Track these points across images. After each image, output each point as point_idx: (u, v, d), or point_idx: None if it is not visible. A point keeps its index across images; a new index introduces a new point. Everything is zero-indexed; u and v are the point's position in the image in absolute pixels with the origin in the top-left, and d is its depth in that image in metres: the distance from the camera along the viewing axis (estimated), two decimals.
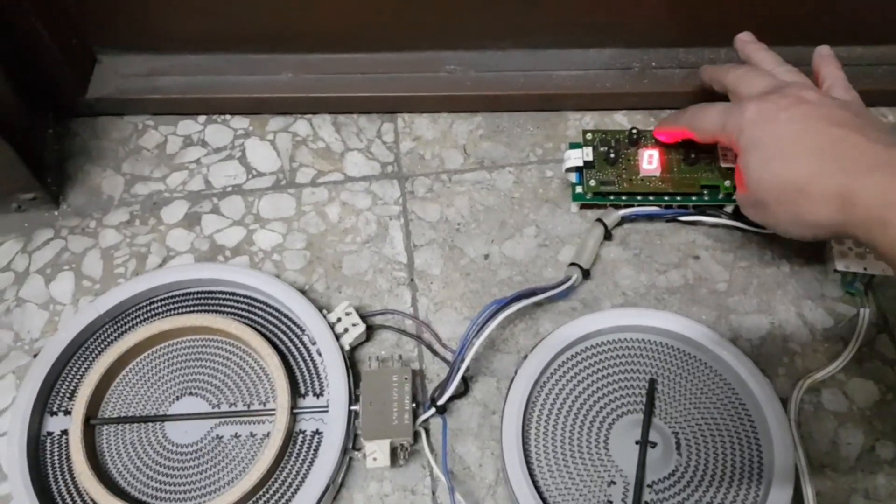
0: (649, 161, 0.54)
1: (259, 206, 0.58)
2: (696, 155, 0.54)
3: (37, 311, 0.53)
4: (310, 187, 0.59)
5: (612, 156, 0.54)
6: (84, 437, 0.45)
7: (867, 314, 0.51)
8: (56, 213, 0.57)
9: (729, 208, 0.54)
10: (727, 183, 0.53)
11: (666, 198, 0.54)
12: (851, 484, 0.47)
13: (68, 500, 0.45)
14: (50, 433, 0.47)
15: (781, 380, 0.50)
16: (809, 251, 0.54)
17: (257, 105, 0.61)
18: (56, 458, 0.46)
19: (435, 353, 0.51)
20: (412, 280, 0.54)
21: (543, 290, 0.50)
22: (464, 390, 0.50)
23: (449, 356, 0.51)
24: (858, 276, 0.52)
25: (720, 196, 0.54)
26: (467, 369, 0.48)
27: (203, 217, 0.57)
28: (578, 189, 0.55)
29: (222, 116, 0.62)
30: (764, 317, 0.52)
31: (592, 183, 0.54)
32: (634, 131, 0.55)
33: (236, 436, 0.47)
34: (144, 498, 0.45)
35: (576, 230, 0.56)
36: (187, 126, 0.61)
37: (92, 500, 0.44)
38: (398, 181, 0.59)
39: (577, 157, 0.54)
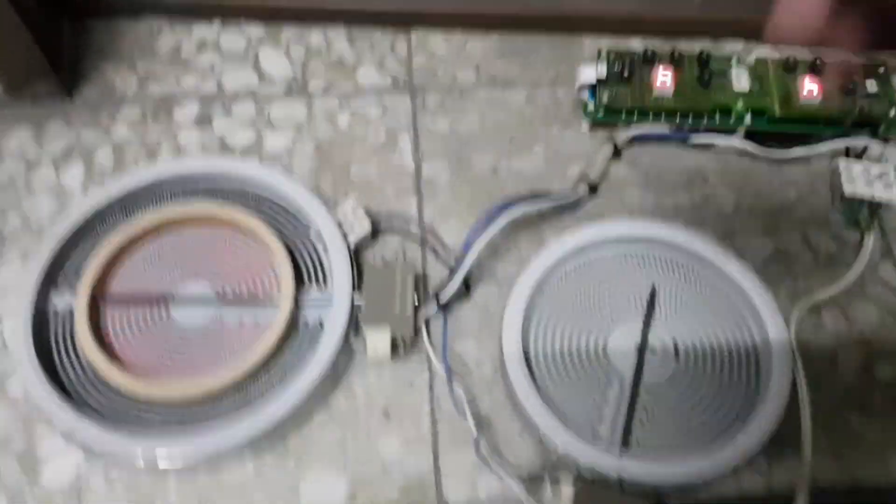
0: (663, 80, 0.54)
1: (270, 111, 0.58)
2: (710, 77, 0.54)
3: (46, 199, 0.54)
4: (321, 96, 0.59)
5: (626, 74, 0.54)
6: (89, 314, 0.46)
7: (872, 241, 0.51)
8: (69, 106, 0.58)
9: (741, 132, 0.54)
10: (740, 105, 0.53)
11: (678, 118, 0.54)
12: (848, 401, 0.47)
13: (71, 373, 0.46)
14: (55, 310, 0.47)
15: (783, 300, 0.50)
16: (818, 178, 0.55)
17: (272, 13, 0.61)
18: (60, 333, 0.47)
19: (438, 257, 0.51)
20: (419, 189, 0.55)
21: (551, 196, 0.50)
22: (465, 292, 0.50)
23: (452, 261, 0.51)
24: (866, 203, 0.52)
25: (732, 120, 0.54)
26: (469, 272, 0.48)
27: (214, 119, 0.57)
28: (590, 107, 0.55)
29: (237, 22, 0.62)
30: (769, 239, 0.53)
31: (605, 100, 0.54)
32: (650, 51, 0.55)
33: (240, 321, 0.47)
34: (146, 373, 0.46)
35: (585, 150, 0.56)
36: (202, 30, 0.61)
37: (95, 373, 0.45)
38: (409, 95, 0.59)
39: (590, 74, 0.54)
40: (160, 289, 0.48)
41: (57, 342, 0.46)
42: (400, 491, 0.44)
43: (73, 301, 0.47)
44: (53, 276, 0.48)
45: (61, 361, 0.46)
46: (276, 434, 0.44)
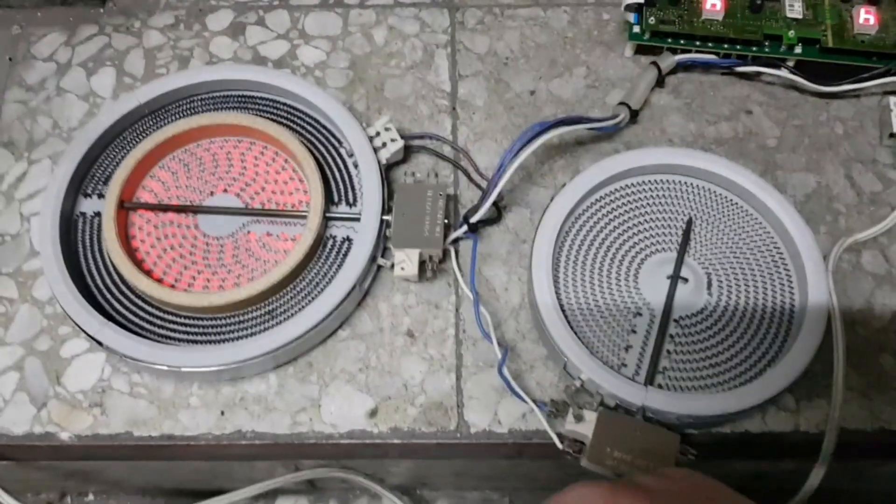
0: (713, 3, 0.51)
1: (305, 22, 0.56)
2: (762, 2, 0.51)
3: (76, 102, 0.53)
4: (357, 8, 0.57)
5: None
6: (117, 219, 0.46)
7: None
8: (101, 10, 0.57)
9: (791, 62, 0.52)
10: (791, 34, 0.51)
11: (726, 45, 0.52)
12: (882, 343, 0.46)
13: (97, 277, 0.46)
14: (83, 213, 0.47)
15: (822, 238, 0.48)
16: (866, 115, 0.52)
17: None
18: (87, 237, 0.47)
19: (471, 179, 0.50)
20: (454, 109, 0.53)
21: (589, 119, 0.49)
22: (496, 216, 0.49)
23: (485, 184, 0.50)
24: None
25: (782, 49, 0.52)
26: (502, 196, 0.47)
27: (248, 28, 0.56)
28: (636, 28, 0.53)
29: None
30: (811, 175, 0.51)
31: (652, 21, 0.52)
32: None
33: (268, 234, 0.47)
34: (171, 281, 0.45)
35: (627, 75, 0.54)
36: None
37: (121, 276, 0.45)
38: (448, 11, 0.57)
39: None
40: (188, 197, 0.48)
41: (84, 246, 0.46)
42: (421, 410, 0.44)
43: (101, 206, 0.46)
44: (82, 180, 0.48)
45: (87, 266, 0.46)
46: (300, 348, 0.44)
